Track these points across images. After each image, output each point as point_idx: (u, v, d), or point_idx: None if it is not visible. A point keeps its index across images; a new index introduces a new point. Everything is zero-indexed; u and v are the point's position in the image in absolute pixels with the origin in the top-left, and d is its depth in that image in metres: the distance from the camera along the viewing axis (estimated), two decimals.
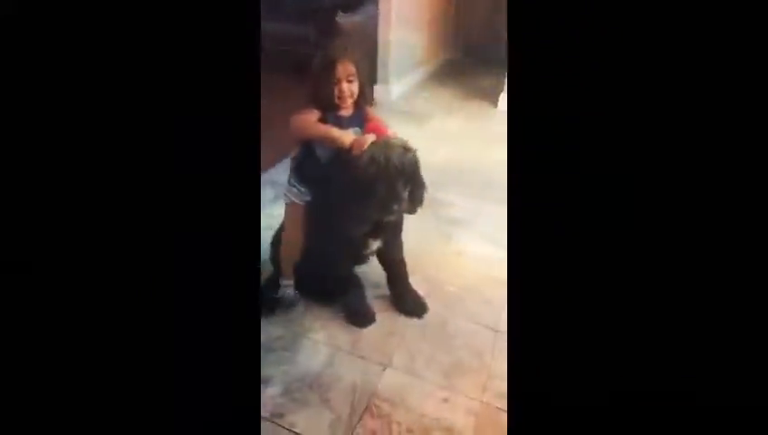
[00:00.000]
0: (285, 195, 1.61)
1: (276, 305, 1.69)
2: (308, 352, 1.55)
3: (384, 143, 1.36)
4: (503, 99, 3.60)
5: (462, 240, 2.13)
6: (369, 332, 1.63)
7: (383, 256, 1.67)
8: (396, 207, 1.34)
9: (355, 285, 1.67)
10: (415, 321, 1.68)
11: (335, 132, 1.41)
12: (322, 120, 1.45)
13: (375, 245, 1.58)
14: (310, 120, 1.44)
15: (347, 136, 1.41)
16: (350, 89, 1.42)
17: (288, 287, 1.71)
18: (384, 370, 1.49)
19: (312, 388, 1.42)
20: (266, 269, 1.78)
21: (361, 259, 1.68)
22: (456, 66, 4.85)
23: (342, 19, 3.75)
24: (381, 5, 3.38)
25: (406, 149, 1.38)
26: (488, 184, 2.51)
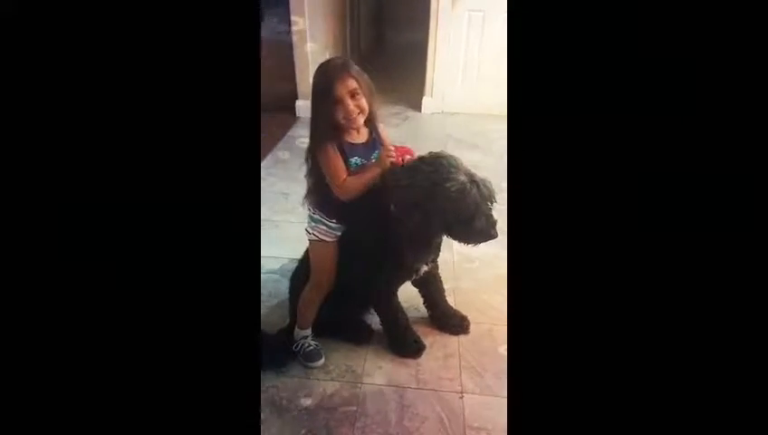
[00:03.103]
0: (309, 232, 1.43)
1: (289, 359, 1.52)
2: (376, 400, 1.39)
3: (466, 172, 1.22)
4: (425, 103, 3.68)
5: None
6: (426, 360, 1.53)
7: (425, 276, 1.55)
8: (494, 231, 1.24)
9: (401, 313, 1.54)
10: (462, 337, 1.61)
11: (377, 171, 1.31)
12: (339, 150, 1.31)
13: (425, 268, 1.47)
14: (358, 179, 1.31)
15: (384, 163, 1.31)
16: (357, 105, 1.27)
17: (306, 338, 1.53)
18: (461, 397, 1.40)
19: None
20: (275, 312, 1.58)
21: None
22: None
23: None
24: (295, 24, 3.24)
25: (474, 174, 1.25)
26: None
